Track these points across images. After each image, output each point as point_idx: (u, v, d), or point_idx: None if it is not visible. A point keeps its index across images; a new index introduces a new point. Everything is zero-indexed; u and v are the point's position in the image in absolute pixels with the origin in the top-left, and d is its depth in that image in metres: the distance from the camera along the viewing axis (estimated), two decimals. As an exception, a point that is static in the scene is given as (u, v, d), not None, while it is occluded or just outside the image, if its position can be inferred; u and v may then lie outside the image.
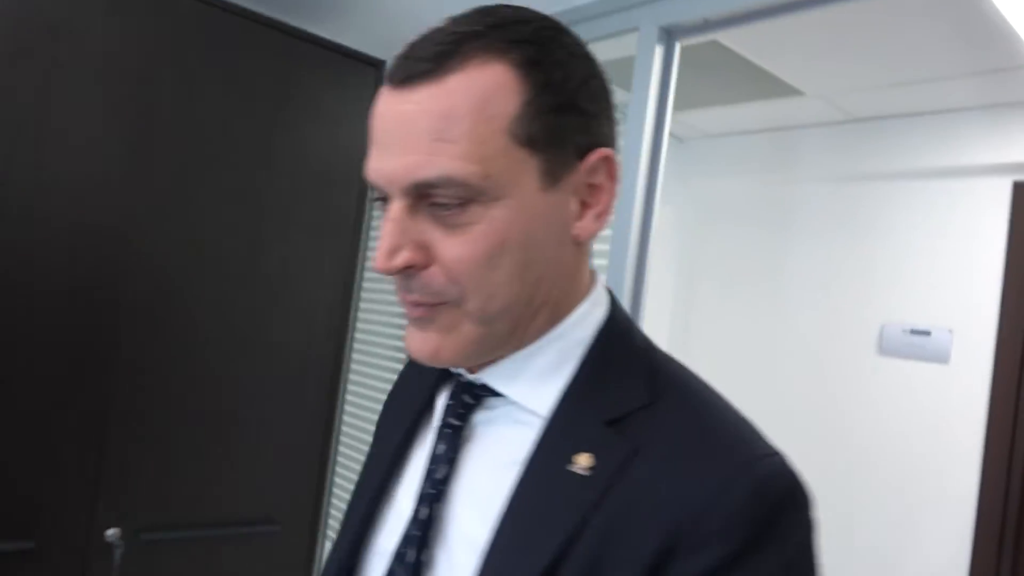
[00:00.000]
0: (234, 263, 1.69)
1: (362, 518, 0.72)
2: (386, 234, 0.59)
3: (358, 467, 1.85)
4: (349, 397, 1.97)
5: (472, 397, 0.67)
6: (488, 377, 0.66)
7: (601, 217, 0.65)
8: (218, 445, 1.74)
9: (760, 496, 0.54)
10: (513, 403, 0.65)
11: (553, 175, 0.61)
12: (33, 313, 1.51)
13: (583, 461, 0.59)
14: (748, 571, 0.52)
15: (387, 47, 2.08)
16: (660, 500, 0.55)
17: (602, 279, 0.71)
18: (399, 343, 1.81)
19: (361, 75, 1.90)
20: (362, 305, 1.93)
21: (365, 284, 1.92)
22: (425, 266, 0.60)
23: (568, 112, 0.61)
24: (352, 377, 1.94)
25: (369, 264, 1.83)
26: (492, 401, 0.67)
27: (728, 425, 0.59)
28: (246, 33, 1.69)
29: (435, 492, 0.65)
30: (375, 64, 1.94)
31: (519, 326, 0.63)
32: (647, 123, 1.66)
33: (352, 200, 1.85)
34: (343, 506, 1.89)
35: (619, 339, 0.66)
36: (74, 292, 1.56)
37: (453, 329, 0.61)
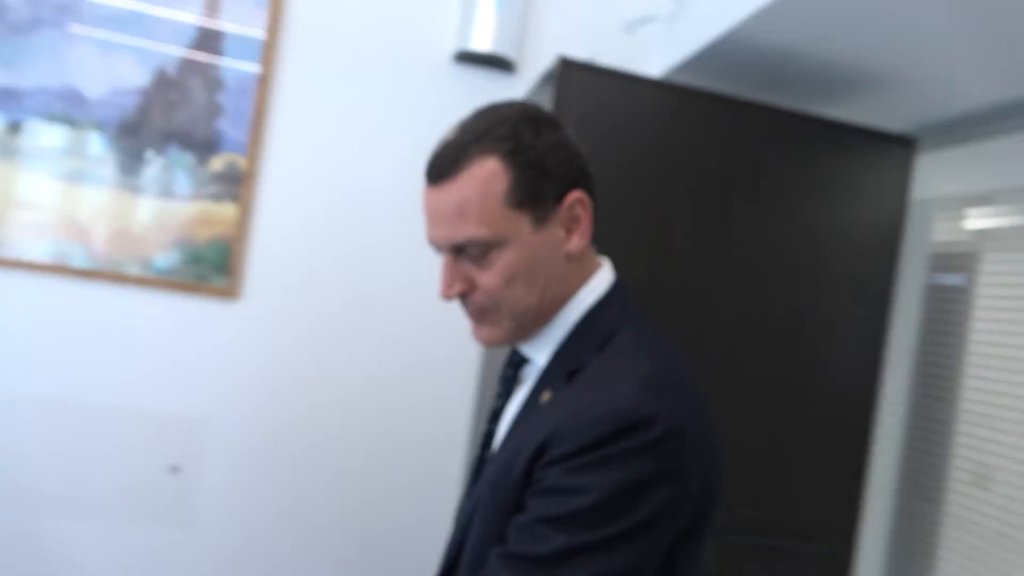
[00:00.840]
0: (784, 318, 1.89)
1: (480, 435, 1.13)
2: (444, 275, 0.93)
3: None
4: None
5: (520, 357, 1.02)
6: (523, 348, 1.00)
7: (584, 236, 0.93)
8: (770, 458, 1.89)
9: (599, 422, 0.79)
10: (534, 362, 0.99)
11: (540, 220, 0.90)
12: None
13: (545, 397, 0.91)
14: (581, 462, 0.79)
15: (916, 123, 2.02)
16: (556, 416, 0.84)
17: (605, 271, 0.99)
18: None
19: (893, 153, 1.87)
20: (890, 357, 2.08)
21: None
22: (472, 291, 0.92)
23: (542, 177, 0.89)
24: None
25: (893, 326, 2.07)
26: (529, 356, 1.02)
27: (615, 380, 0.84)
28: (788, 127, 1.89)
29: (492, 416, 1.04)
30: (906, 142, 1.83)
31: (538, 316, 0.94)
32: None
33: (884, 268, 1.93)
34: (879, 528, 2.13)
35: (597, 317, 0.95)
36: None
37: (497, 325, 0.94)
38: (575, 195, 0.91)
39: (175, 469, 2.01)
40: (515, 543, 0.82)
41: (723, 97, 1.80)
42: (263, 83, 1.97)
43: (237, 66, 1.97)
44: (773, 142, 1.84)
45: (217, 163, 1.97)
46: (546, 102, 1.78)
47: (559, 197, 0.90)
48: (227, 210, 1.98)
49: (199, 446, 2.02)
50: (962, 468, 1.94)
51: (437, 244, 0.92)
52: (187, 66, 1.95)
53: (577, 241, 0.93)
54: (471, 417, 2.18)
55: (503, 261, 0.89)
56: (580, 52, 2.00)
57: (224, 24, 1.96)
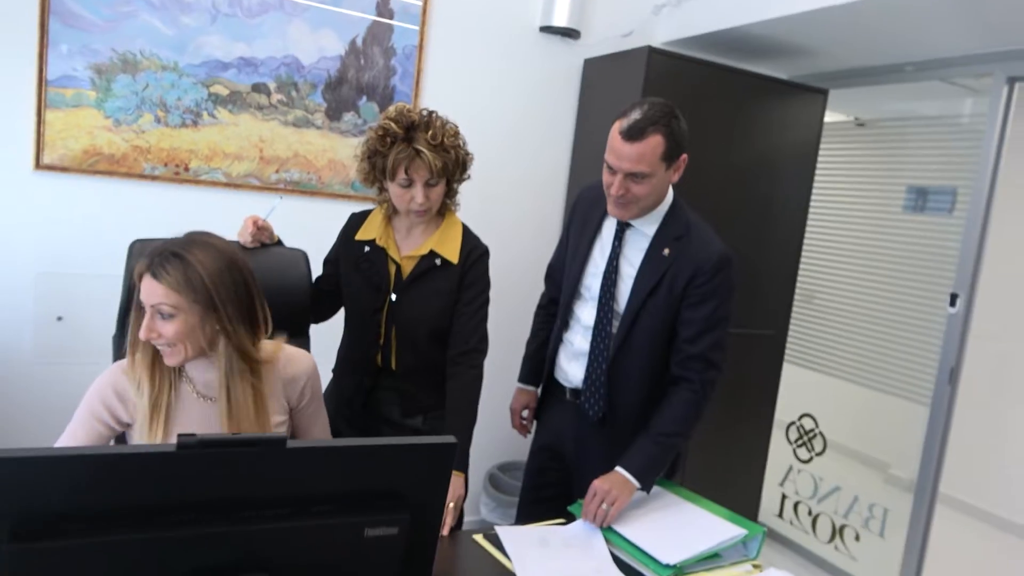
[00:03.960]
0: (754, 199, 2.96)
1: (578, 268, 1.88)
2: (616, 186, 1.69)
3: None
4: None
5: (626, 224, 1.81)
6: (636, 223, 1.79)
7: (679, 175, 1.74)
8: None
9: (718, 262, 1.73)
10: (640, 231, 1.79)
11: (668, 167, 1.69)
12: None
13: (666, 252, 1.75)
14: (709, 287, 1.73)
15: (827, 80, 3.21)
16: (690, 263, 1.73)
17: (670, 191, 1.80)
18: None
19: (809, 101, 3.04)
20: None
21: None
22: (627, 193, 1.69)
23: (678, 147, 1.69)
24: None
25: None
26: (633, 227, 1.80)
27: (711, 237, 1.77)
28: (753, 84, 2.92)
29: (613, 255, 1.81)
30: (822, 92, 3.03)
31: (653, 207, 1.76)
32: (993, 141, 2.77)
33: (800, 190, 3.15)
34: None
35: (676, 209, 1.79)
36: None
37: (630, 211, 1.73)
38: (683, 156, 1.73)
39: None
40: (700, 327, 1.72)
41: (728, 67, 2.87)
42: (420, 49, 2.72)
43: (405, 28, 2.70)
44: (747, 93, 2.92)
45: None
46: (609, 72, 2.75)
47: (678, 156, 1.70)
48: (398, 143, 2.74)
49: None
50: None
51: (617, 169, 1.67)
52: (370, 37, 2.64)
53: (676, 177, 1.75)
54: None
55: (648, 184, 1.68)
56: (620, 26, 2.97)
57: None
